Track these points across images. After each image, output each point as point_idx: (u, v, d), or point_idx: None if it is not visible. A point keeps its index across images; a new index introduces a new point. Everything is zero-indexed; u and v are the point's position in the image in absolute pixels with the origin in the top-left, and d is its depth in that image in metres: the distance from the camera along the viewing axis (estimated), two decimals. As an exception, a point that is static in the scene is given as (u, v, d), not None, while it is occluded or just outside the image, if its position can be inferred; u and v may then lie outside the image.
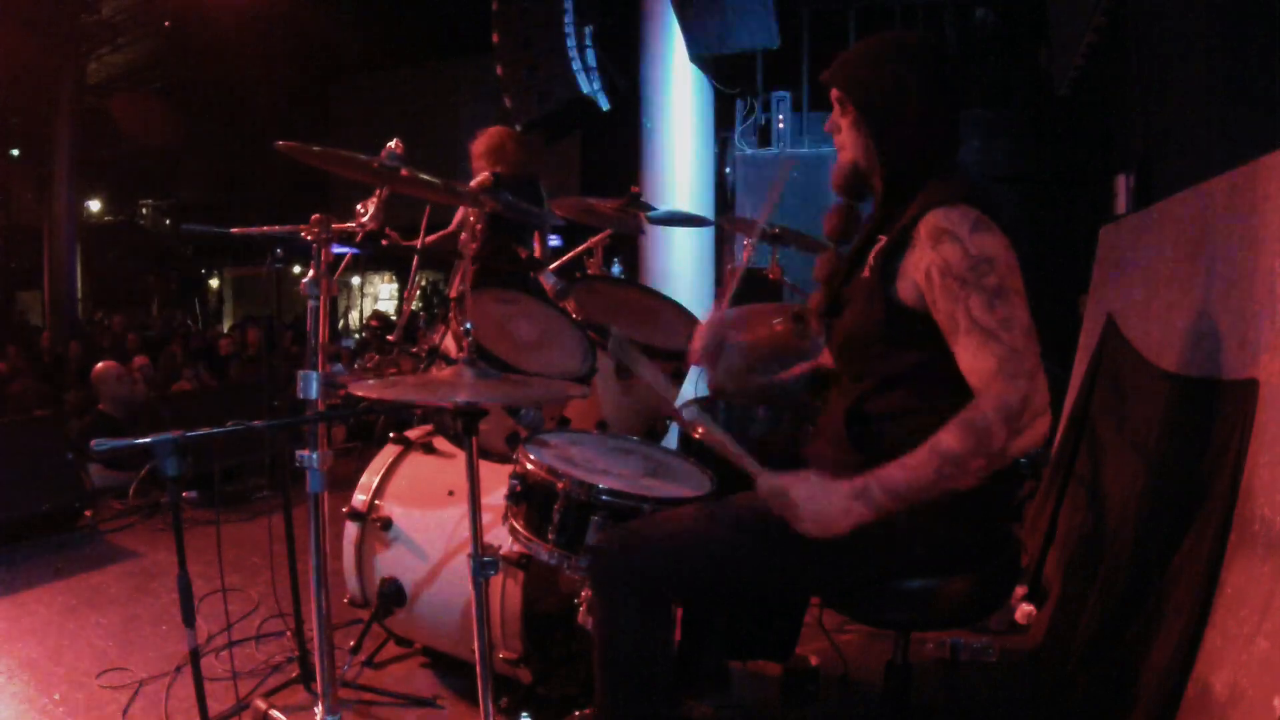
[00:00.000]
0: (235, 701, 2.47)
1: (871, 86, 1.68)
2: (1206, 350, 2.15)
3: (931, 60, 1.68)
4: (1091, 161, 6.51)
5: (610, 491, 1.80)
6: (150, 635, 3.08)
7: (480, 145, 4.05)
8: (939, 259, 1.54)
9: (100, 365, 6.12)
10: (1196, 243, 2.38)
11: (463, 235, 2.37)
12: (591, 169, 11.37)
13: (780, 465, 1.91)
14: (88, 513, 4.39)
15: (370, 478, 2.71)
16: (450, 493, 2.57)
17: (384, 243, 2.61)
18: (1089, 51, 5.19)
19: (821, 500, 1.50)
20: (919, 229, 1.59)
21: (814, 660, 2.63)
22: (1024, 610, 3.09)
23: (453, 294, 2.53)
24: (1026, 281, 1.55)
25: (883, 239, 1.70)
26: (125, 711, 2.53)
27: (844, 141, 1.77)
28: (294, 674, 2.67)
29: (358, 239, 2.20)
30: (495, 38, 7.49)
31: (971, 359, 1.50)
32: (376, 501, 2.66)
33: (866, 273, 1.70)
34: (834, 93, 1.75)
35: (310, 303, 2.11)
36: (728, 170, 8.18)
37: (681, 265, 6.79)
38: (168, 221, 20.42)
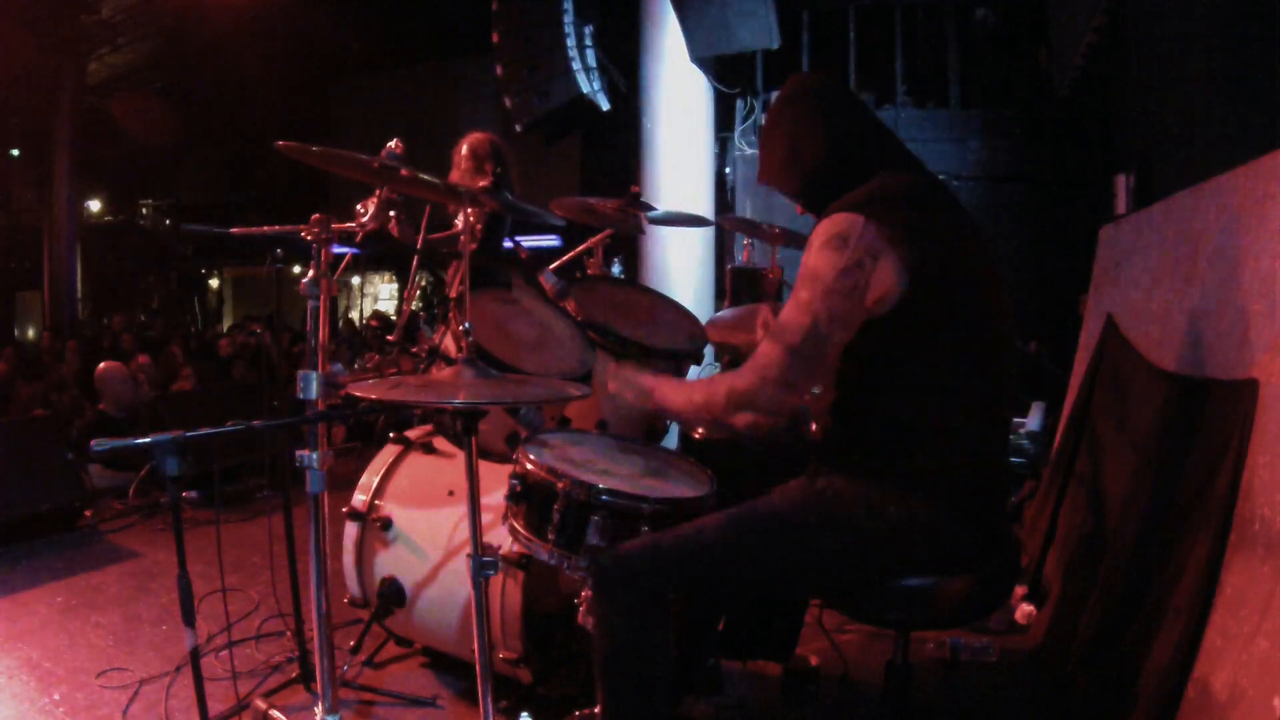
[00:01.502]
0: (235, 701, 2.47)
1: (780, 167, 1.86)
2: (1206, 350, 2.15)
3: (804, 94, 1.85)
4: (1091, 161, 6.51)
5: (610, 491, 1.80)
6: (150, 635, 3.08)
7: (482, 148, 4.02)
8: (803, 258, 1.69)
9: (103, 365, 6.11)
10: (1196, 243, 2.38)
11: (462, 235, 2.37)
12: (591, 169, 11.36)
13: (779, 464, 1.92)
14: (88, 513, 4.39)
15: (370, 478, 2.71)
16: (450, 493, 2.58)
17: (392, 227, 2.61)
18: (1089, 51, 5.19)
19: (632, 377, 1.97)
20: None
21: (814, 660, 2.63)
22: (1024, 610, 3.09)
23: (452, 294, 2.53)
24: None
25: None
26: (125, 711, 2.53)
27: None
28: (294, 674, 2.67)
29: (358, 239, 2.20)
30: (495, 38, 7.48)
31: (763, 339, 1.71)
32: (376, 501, 2.66)
33: None
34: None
35: (310, 303, 2.11)
36: (728, 170, 8.18)
37: (681, 265, 6.78)
38: (168, 221, 20.38)
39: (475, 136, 4.06)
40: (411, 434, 2.85)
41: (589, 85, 7.40)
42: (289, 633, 2.82)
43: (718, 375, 1.80)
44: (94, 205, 20.22)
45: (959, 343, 1.64)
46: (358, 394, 1.78)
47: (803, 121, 1.82)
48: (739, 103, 7.87)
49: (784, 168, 1.85)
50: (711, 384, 1.77)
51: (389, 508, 2.63)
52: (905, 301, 1.59)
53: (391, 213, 2.22)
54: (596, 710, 1.73)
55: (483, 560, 1.82)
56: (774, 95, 1.97)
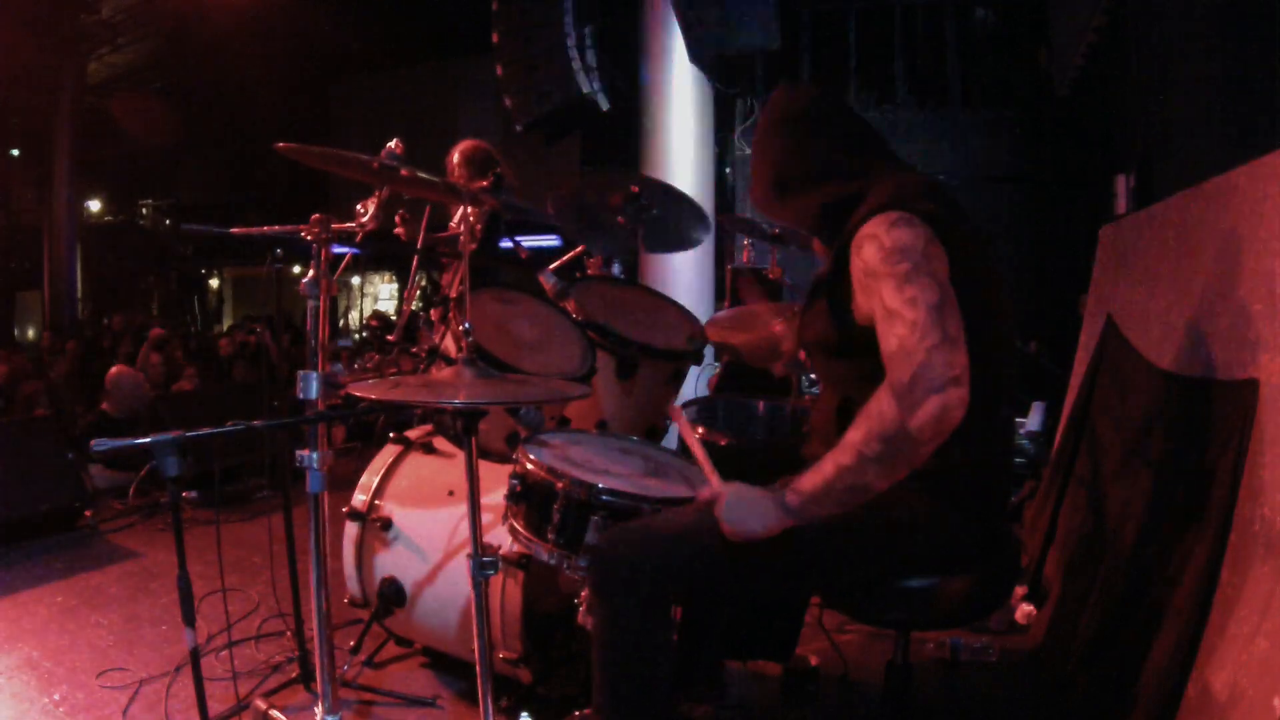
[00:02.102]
0: (235, 701, 2.47)
1: (768, 195, 1.86)
2: (1206, 350, 2.15)
3: (784, 117, 1.84)
4: (1091, 161, 6.51)
5: (610, 491, 1.80)
6: (150, 635, 3.08)
7: (477, 153, 4.01)
8: (861, 262, 1.61)
9: (114, 370, 6.13)
10: (1196, 243, 2.38)
11: (462, 235, 2.37)
12: (591, 169, 11.35)
13: (780, 465, 1.91)
14: (88, 513, 4.39)
15: (370, 478, 2.71)
16: (450, 493, 2.58)
17: (398, 229, 2.61)
18: (1089, 51, 5.19)
19: (744, 511, 1.58)
20: (852, 245, 1.65)
21: (814, 660, 2.63)
22: (1024, 610, 3.09)
23: (453, 294, 2.53)
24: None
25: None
26: (125, 711, 2.53)
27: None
28: (294, 674, 2.67)
29: (358, 239, 2.20)
30: (495, 38, 7.48)
31: (883, 344, 1.53)
32: (376, 501, 2.66)
33: (824, 297, 1.75)
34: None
35: (310, 303, 2.11)
36: (728, 170, 8.19)
37: (681, 265, 6.78)
38: (168, 221, 20.40)
39: (467, 144, 4.05)
40: (411, 434, 2.85)
41: (589, 85, 7.39)
42: (289, 633, 2.82)
43: (861, 413, 1.51)
44: (94, 205, 20.23)
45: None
46: (358, 394, 1.78)
47: (785, 145, 1.83)
48: (739, 103, 7.88)
49: (771, 196, 1.86)
50: (862, 415, 1.51)
51: (389, 508, 2.63)
52: None
53: (399, 212, 2.21)
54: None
55: (483, 560, 1.82)
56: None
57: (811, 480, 1.54)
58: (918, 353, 1.46)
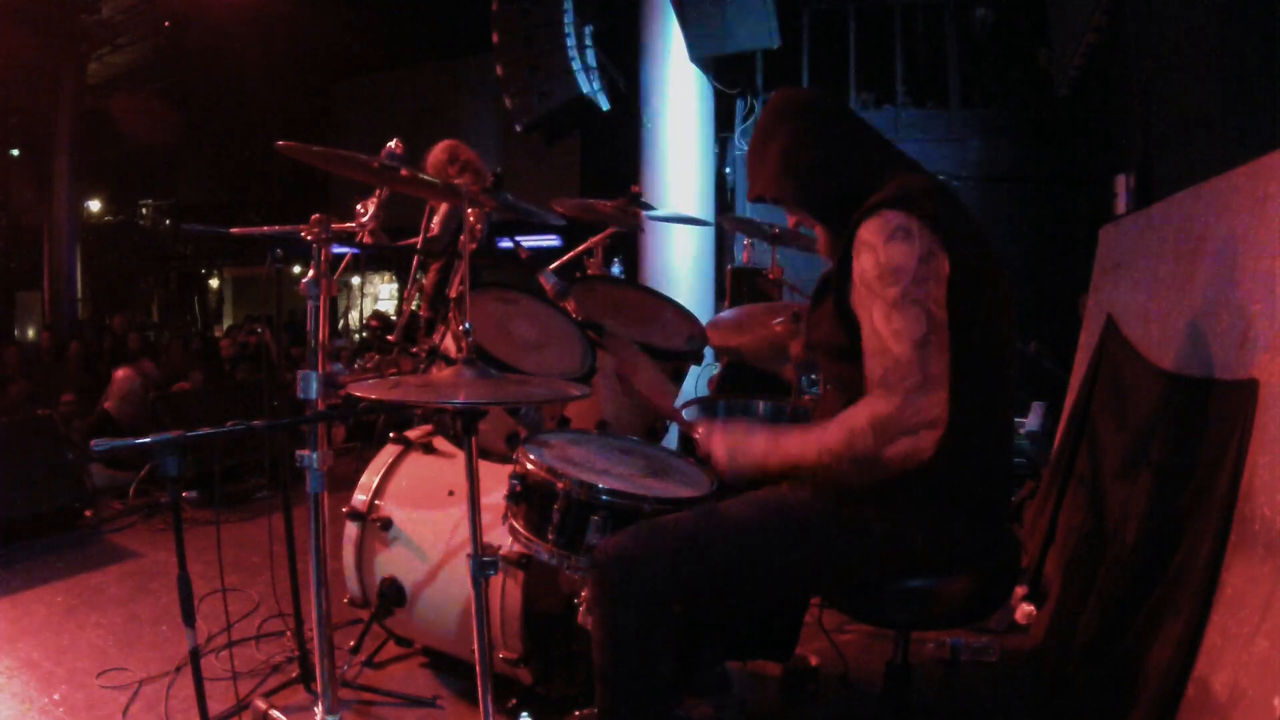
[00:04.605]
0: (235, 701, 2.47)
1: (775, 177, 1.82)
2: (1206, 350, 2.15)
3: (795, 108, 1.82)
4: (1091, 161, 6.51)
5: (610, 491, 1.80)
6: (150, 635, 3.08)
7: (439, 162, 4.06)
8: (859, 268, 1.62)
9: (121, 372, 6.14)
10: (1197, 243, 2.38)
11: (463, 235, 2.37)
12: (591, 169, 11.36)
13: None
14: (88, 513, 4.39)
15: (370, 478, 2.71)
16: (450, 493, 2.58)
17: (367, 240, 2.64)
18: (1089, 51, 5.19)
19: (739, 441, 1.72)
20: (853, 248, 1.65)
21: (814, 660, 2.63)
22: (1024, 610, 3.09)
23: (452, 294, 2.53)
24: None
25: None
26: (125, 711, 2.53)
27: (809, 223, 1.90)
28: (294, 674, 2.67)
29: (358, 239, 2.20)
30: (495, 38, 7.49)
31: (866, 364, 1.59)
32: (376, 501, 2.66)
33: (831, 297, 1.74)
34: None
35: (310, 303, 2.11)
36: (728, 170, 8.18)
37: (681, 265, 6.79)
38: (168, 221, 20.39)
39: (432, 154, 4.12)
40: (411, 434, 2.85)
41: (589, 85, 7.40)
42: (289, 633, 2.82)
43: (843, 414, 1.59)
44: (94, 205, 20.22)
45: (963, 343, 1.64)
46: (358, 394, 1.78)
47: (797, 132, 1.80)
48: (739, 103, 7.88)
49: (779, 178, 1.82)
50: (843, 423, 1.58)
51: (389, 508, 2.63)
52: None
53: (363, 219, 2.21)
54: (596, 710, 1.73)
55: (483, 560, 1.82)
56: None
57: (797, 452, 1.64)
58: (896, 393, 1.52)
